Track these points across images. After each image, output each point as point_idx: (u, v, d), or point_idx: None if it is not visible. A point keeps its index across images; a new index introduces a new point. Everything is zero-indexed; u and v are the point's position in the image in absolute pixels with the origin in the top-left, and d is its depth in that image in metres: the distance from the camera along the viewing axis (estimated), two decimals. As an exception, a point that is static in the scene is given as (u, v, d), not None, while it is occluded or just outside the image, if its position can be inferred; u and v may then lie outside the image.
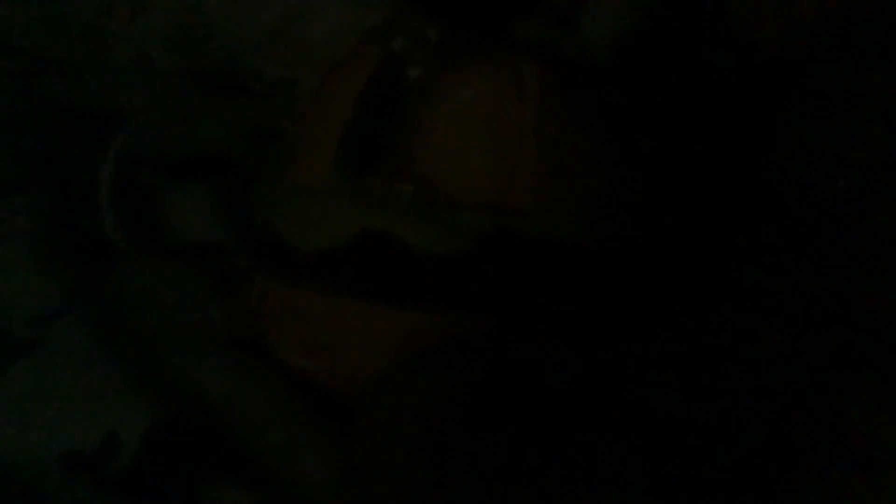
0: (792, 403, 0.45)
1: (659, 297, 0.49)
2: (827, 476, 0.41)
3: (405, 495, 0.38)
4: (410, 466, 0.38)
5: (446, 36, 0.48)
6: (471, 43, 0.48)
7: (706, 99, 0.61)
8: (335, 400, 0.46)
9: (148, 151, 0.65)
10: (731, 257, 0.54)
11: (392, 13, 0.68)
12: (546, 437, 0.38)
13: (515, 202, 0.44)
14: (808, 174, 0.58)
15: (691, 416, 0.43)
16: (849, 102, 0.58)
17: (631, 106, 0.51)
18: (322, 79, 0.49)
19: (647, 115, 0.53)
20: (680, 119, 0.60)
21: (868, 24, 0.58)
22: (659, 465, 0.39)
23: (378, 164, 0.44)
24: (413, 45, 0.47)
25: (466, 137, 0.45)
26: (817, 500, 0.40)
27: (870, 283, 0.53)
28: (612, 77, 0.61)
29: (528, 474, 0.37)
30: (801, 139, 0.59)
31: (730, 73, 0.62)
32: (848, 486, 0.41)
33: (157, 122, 0.70)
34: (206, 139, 0.68)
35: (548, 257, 0.44)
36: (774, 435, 0.43)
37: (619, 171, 0.48)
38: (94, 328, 0.47)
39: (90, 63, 0.76)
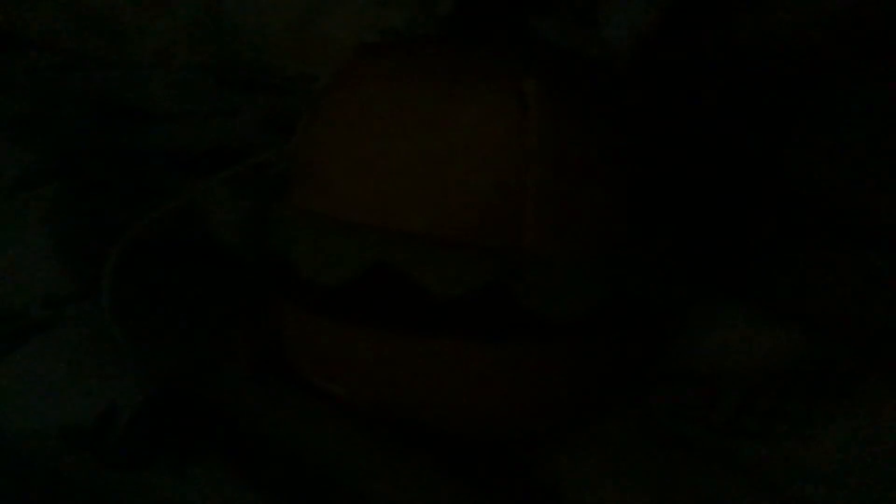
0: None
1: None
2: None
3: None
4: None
5: (443, 52, 0.46)
6: (468, 60, 0.45)
7: (727, 97, 0.61)
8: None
9: (169, 147, 0.66)
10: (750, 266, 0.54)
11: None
12: None
13: (521, 239, 0.42)
14: (835, 174, 0.58)
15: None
16: (875, 99, 0.58)
17: (647, 116, 0.48)
18: (324, 99, 0.46)
19: (663, 125, 0.51)
20: (698, 121, 0.60)
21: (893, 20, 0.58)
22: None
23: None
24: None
25: (466, 167, 0.42)
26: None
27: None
28: (631, 76, 0.61)
29: None
30: (828, 137, 0.59)
31: (753, 69, 0.61)
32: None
33: (179, 117, 0.70)
34: (227, 133, 0.68)
35: (551, 297, 0.43)
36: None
37: (633, 197, 0.45)
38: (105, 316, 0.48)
39: (113, 59, 0.77)
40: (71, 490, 0.42)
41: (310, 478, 0.42)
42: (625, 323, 0.45)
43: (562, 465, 0.44)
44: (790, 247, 0.55)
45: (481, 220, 0.42)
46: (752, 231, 0.56)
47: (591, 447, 0.44)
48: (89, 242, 0.52)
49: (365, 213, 0.43)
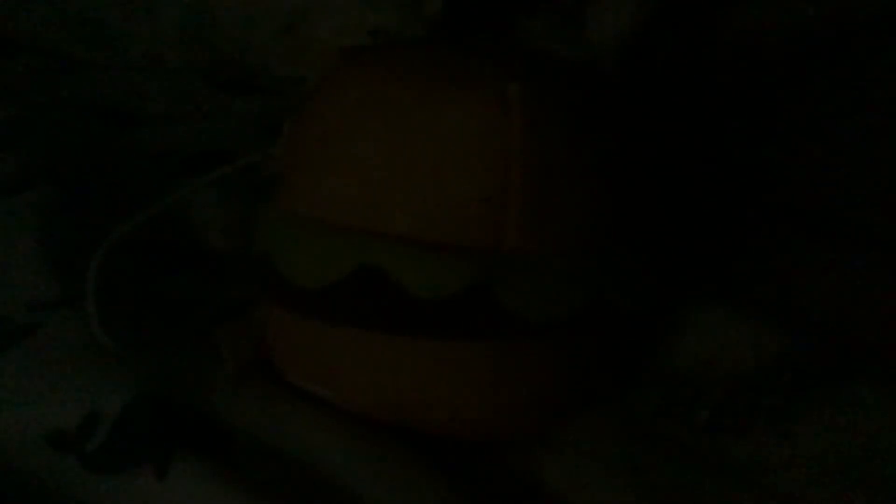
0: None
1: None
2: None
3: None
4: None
5: (427, 56, 0.47)
6: (452, 63, 0.45)
7: (709, 99, 0.61)
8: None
9: (159, 149, 0.66)
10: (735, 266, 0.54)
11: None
12: None
13: (504, 241, 0.42)
14: (814, 174, 0.58)
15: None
16: (849, 101, 0.58)
17: (631, 119, 0.48)
18: (309, 103, 0.46)
19: (647, 127, 0.51)
20: (682, 123, 0.60)
21: (866, 24, 0.58)
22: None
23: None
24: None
25: (449, 170, 0.42)
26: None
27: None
28: (616, 79, 0.61)
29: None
30: (805, 138, 0.59)
31: (733, 72, 0.62)
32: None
33: (168, 119, 0.70)
34: (216, 136, 0.68)
35: (533, 298, 0.43)
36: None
37: (615, 200, 0.46)
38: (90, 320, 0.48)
39: (101, 61, 0.77)
40: (55, 495, 0.42)
41: (295, 480, 0.42)
42: (606, 323, 0.45)
43: (546, 465, 0.44)
44: (771, 247, 0.55)
45: (464, 222, 0.42)
46: (733, 231, 0.56)
47: (575, 446, 0.45)
48: (75, 247, 0.52)
49: (349, 216, 0.43)
